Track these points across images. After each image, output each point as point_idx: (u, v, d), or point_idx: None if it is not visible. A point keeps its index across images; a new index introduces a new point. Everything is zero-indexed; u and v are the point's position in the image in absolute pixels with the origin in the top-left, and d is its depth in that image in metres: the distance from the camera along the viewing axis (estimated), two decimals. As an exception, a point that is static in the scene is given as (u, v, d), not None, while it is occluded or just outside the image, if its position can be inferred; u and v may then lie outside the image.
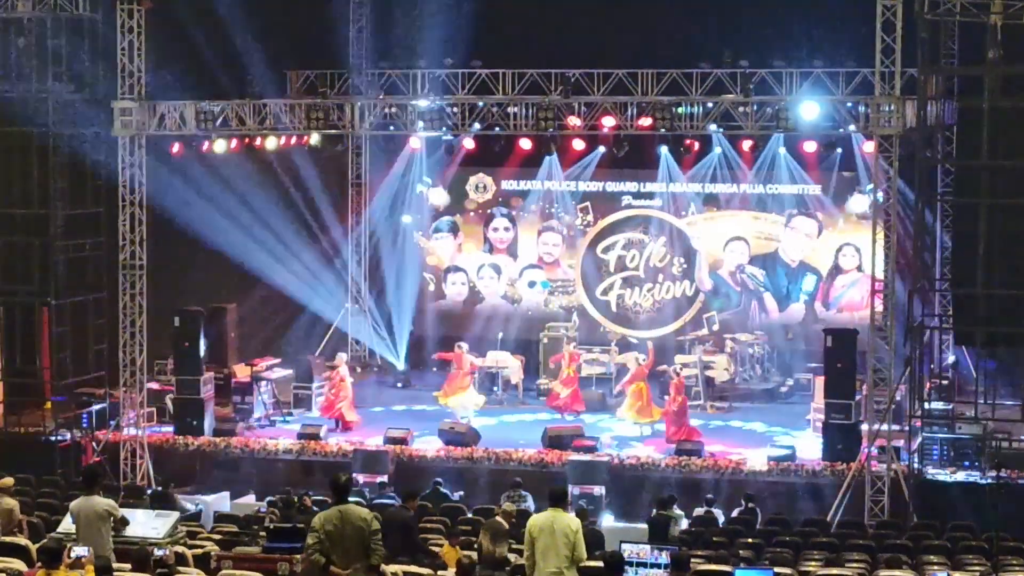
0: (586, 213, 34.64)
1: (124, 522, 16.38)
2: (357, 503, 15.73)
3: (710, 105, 26.55)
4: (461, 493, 25.12)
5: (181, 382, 28.48)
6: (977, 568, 18.88)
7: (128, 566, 15.14)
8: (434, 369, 32.26)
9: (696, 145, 29.12)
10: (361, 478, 25.25)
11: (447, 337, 33.92)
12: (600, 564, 14.92)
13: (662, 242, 34.06)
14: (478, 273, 35.50)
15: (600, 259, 34.55)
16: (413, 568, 16.58)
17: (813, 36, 28.92)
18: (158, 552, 15.55)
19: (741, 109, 26.39)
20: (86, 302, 28.49)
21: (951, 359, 30.23)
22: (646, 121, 26.70)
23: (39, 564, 14.84)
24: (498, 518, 18.13)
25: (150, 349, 28.02)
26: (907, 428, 25.67)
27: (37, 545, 16.31)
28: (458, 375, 30.12)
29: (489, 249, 35.38)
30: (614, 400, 30.96)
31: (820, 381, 27.72)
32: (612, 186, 34.28)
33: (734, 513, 23.53)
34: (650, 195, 34.01)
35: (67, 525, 17.09)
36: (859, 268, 32.50)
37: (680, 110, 26.74)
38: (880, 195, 25.42)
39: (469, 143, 31.70)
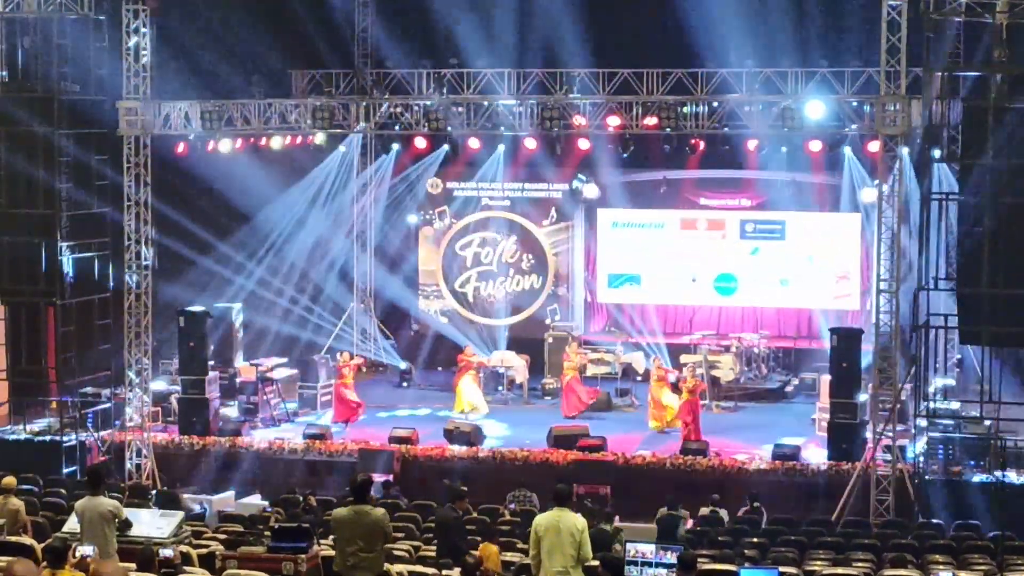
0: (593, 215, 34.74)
1: (127, 524, 16.35)
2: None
3: (715, 104, 26.55)
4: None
5: (186, 382, 28.53)
6: (982, 568, 18.85)
7: (133, 565, 15.14)
8: (439, 368, 32.25)
9: (701, 144, 29.17)
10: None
11: (451, 336, 34.03)
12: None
13: (665, 249, 34.16)
14: (483, 273, 35.51)
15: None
16: (418, 568, 16.60)
17: (818, 36, 28.91)
18: (163, 552, 15.53)
19: (746, 108, 26.40)
20: (91, 302, 28.47)
21: (956, 358, 30.21)
22: (651, 121, 26.70)
23: (44, 564, 14.83)
24: None
25: (155, 349, 28.05)
26: (912, 427, 25.66)
27: (42, 545, 16.30)
28: (474, 377, 30.23)
29: (494, 248, 35.39)
30: (619, 400, 31.00)
31: (825, 380, 27.71)
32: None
33: (739, 513, 23.52)
34: (660, 191, 34.06)
35: (72, 525, 17.09)
36: (864, 267, 32.49)
37: (685, 110, 26.73)
38: (885, 194, 25.37)
39: (474, 142, 31.76)
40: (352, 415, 29.48)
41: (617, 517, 20.73)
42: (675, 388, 29.11)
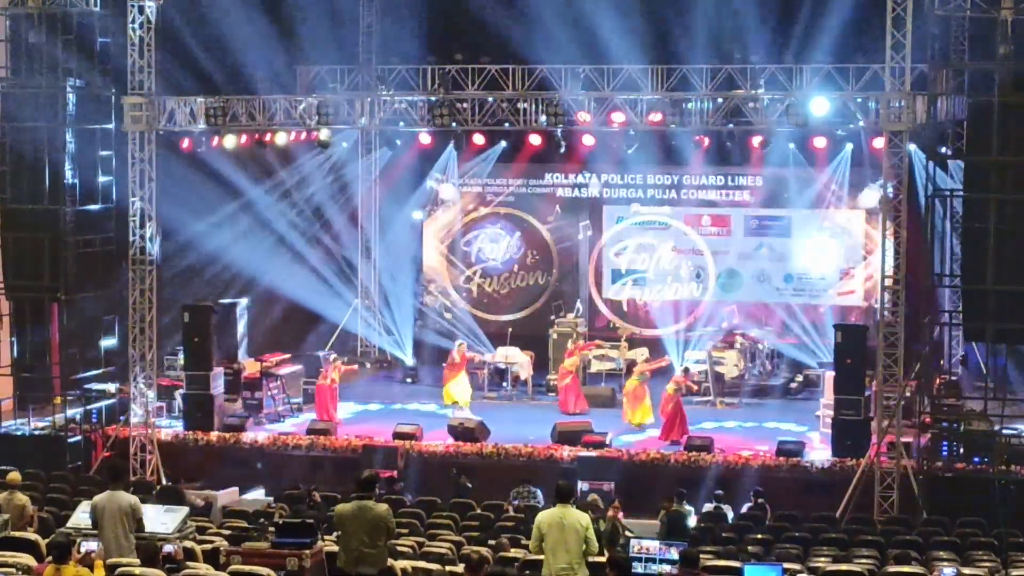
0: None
1: (141, 525, 16.27)
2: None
3: (720, 101, 26.53)
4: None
5: (191, 377, 28.50)
6: (986, 564, 18.87)
7: (137, 561, 15.15)
8: (443, 365, 32.23)
9: (706, 141, 29.16)
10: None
11: (454, 334, 34.07)
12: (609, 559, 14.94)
13: (670, 246, 34.19)
14: (488, 269, 35.52)
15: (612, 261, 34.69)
16: (422, 564, 16.62)
17: (823, 32, 28.87)
18: (167, 547, 15.55)
19: (751, 105, 26.38)
20: (96, 297, 28.52)
21: (961, 354, 30.19)
22: (656, 117, 26.70)
23: (48, 559, 14.85)
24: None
25: (160, 345, 28.05)
26: (917, 424, 25.65)
27: (47, 540, 16.31)
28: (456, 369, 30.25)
29: (498, 244, 35.39)
30: (622, 396, 31.01)
31: (830, 377, 27.70)
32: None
33: (743, 509, 23.52)
34: (662, 188, 34.07)
35: (77, 520, 17.09)
36: (869, 264, 32.48)
37: (690, 106, 26.72)
38: (890, 191, 25.38)
39: (479, 138, 31.77)
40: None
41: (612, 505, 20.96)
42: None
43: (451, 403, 29.79)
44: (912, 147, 25.88)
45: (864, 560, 18.86)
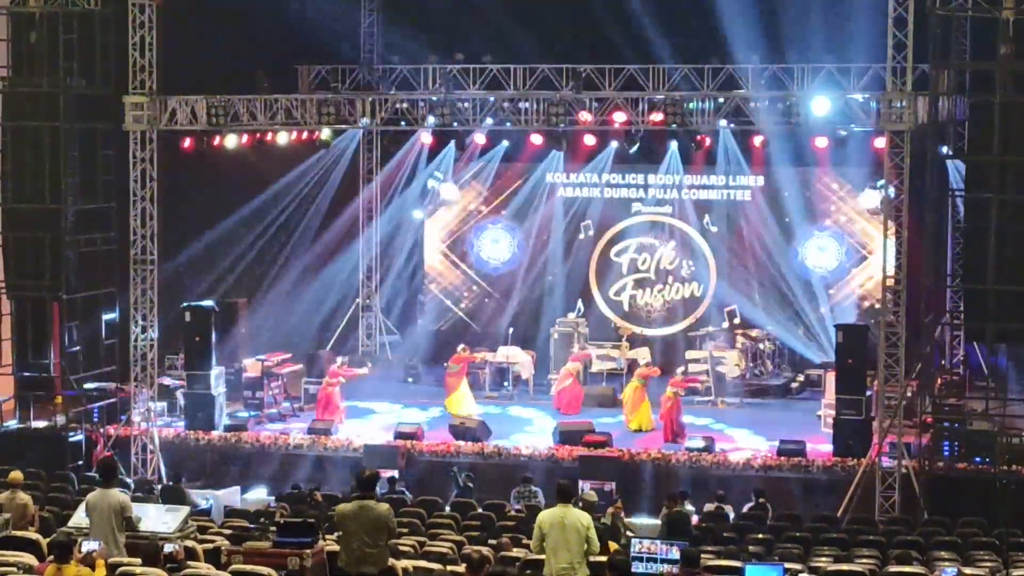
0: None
1: (133, 522, 16.27)
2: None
3: (721, 100, 26.53)
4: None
5: (192, 377, 28.48)
6: (987, 564, 18.86)
7: (138, 560, 15.15)
8: (444, 364, 32.24)
9: (707, 141, 29.15)
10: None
11: (456, 333, 34.04)
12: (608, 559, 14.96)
13: (671, 246, 34.13)
14: (489, 267, 35.50)
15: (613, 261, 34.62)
16: (423, 563, 16.62)
17: (824, 31, 28.88)
18: (168, 547, 15.55)
19: (752, 104, 26.37)
20: (97, 297, 28.50)
21: (962, 355, 30.19)
22: (657, 116, 26.70)
23: (50, 559, 14.86)
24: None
25: (161, 344, 28.04)
26: (918, 424, 25.64)
27: (48, 539, 16.30)
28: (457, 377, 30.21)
29: (499, 243, 35.37)
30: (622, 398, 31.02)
31: (831, 377, 27.68)
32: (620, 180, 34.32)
33: (744, 509, 23.51)
34: (664, 188, 34.02)
35: (78, 519, 17.09)
36: (870, 264, 32.46)
37: (691, 105, 26.72)
38: (891, 191, 25.39)
39: (480, 138, 31.76)
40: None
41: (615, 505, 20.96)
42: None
43: (454, 413, 29.74)
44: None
45: (865, 560, 18.86)
